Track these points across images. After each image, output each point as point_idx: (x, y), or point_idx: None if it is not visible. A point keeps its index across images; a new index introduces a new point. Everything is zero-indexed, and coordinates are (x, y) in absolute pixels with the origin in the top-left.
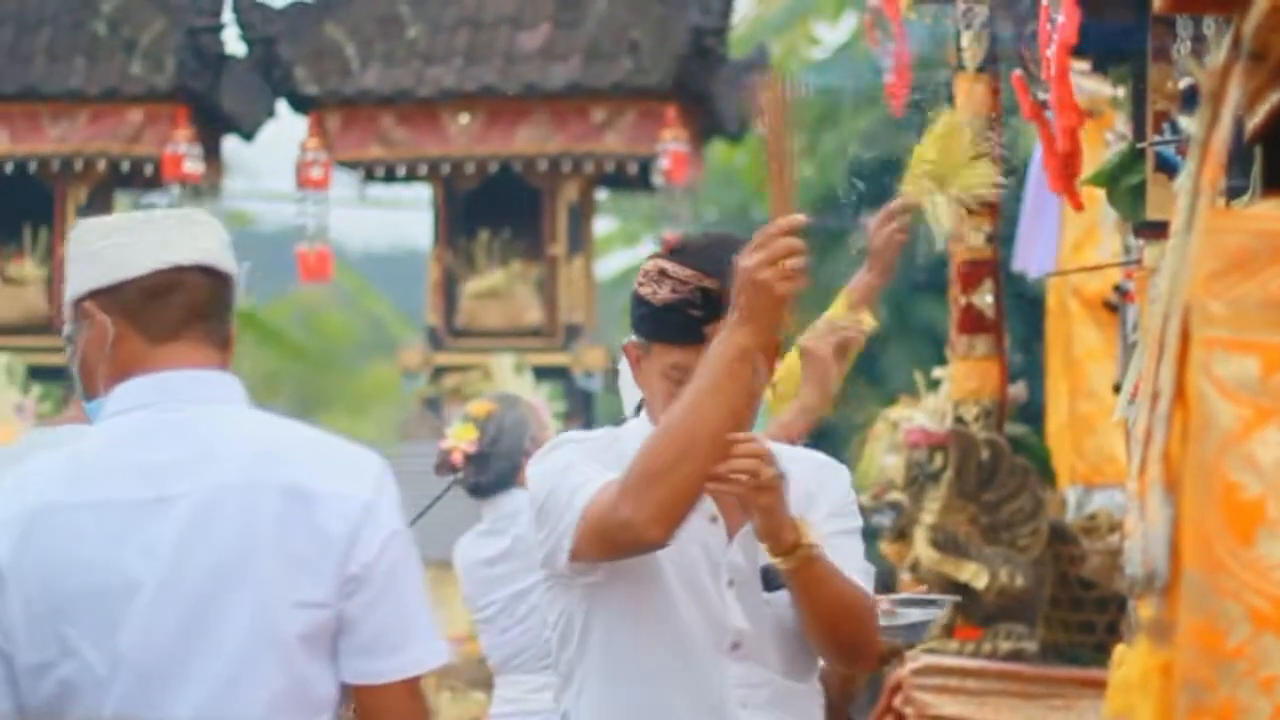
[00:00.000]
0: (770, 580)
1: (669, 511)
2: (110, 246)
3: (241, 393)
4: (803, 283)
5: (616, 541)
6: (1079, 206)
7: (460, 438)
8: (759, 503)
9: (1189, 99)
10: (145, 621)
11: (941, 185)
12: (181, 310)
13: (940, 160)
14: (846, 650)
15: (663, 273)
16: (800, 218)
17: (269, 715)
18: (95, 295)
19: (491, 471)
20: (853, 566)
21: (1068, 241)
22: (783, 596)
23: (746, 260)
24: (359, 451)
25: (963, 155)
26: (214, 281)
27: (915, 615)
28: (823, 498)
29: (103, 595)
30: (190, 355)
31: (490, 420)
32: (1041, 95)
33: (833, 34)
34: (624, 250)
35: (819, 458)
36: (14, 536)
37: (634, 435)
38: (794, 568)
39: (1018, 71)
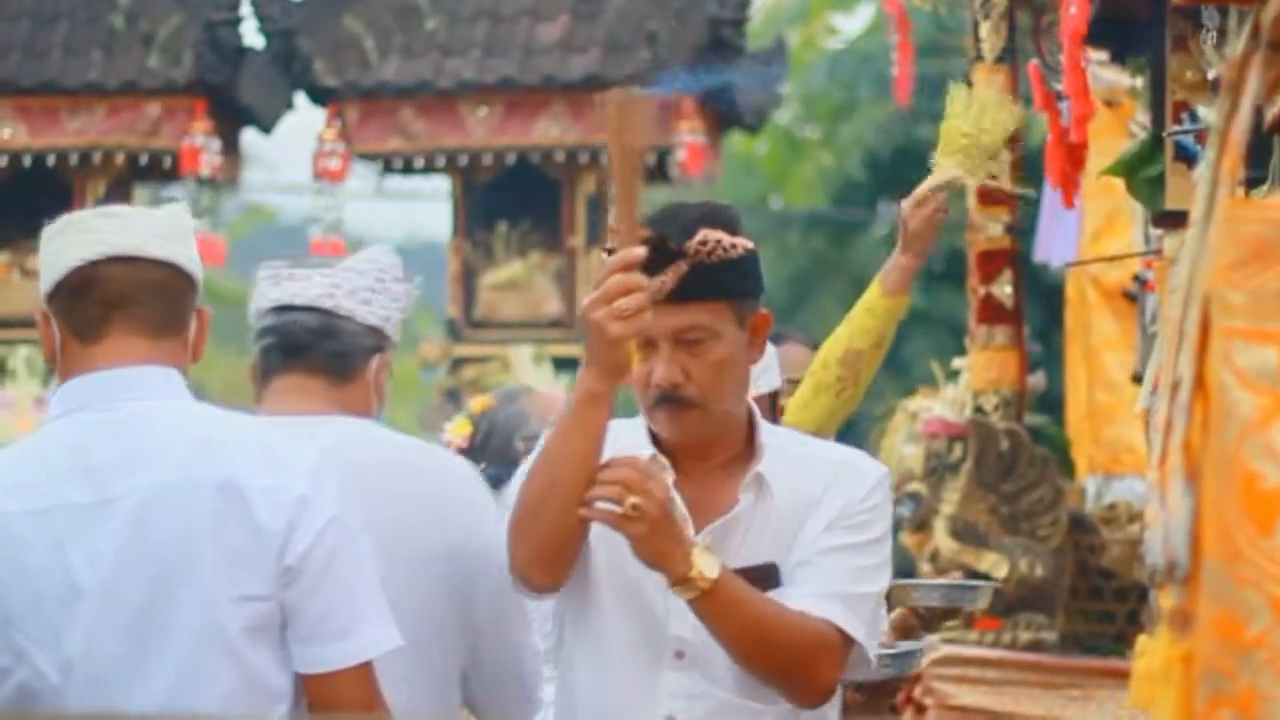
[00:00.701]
0: (757, 580)
1: (544, 558)
2: (47, 253)
3: (179, 385)
4: (641, 322)
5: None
6: (1070, 203)
7: (455, 434)
8: (628, 533)
9: (1216, 89)
10: (90, 627)
11: (977, 155)
12: (100, 306)
13: (973, 130)
14: (778, 684)
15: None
16: (638, 252)
17: (224, 710)
18: (46, 302)
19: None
20: (825, 590)
21: (1088, 231)
22: None
23: (586, 300)
24: (294, 443)
25: (992, 121)
26: (134, 271)
27: (905, 645)
28: (828, 504)
29: (47, 602)
30: (120, 351)
31: (484, 416)
32: (1057, 86)
33: (850, 23)
34: None
35: (839, 457)
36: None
37: (628, 430)
38: (691, 600)
39: (1034, 61)
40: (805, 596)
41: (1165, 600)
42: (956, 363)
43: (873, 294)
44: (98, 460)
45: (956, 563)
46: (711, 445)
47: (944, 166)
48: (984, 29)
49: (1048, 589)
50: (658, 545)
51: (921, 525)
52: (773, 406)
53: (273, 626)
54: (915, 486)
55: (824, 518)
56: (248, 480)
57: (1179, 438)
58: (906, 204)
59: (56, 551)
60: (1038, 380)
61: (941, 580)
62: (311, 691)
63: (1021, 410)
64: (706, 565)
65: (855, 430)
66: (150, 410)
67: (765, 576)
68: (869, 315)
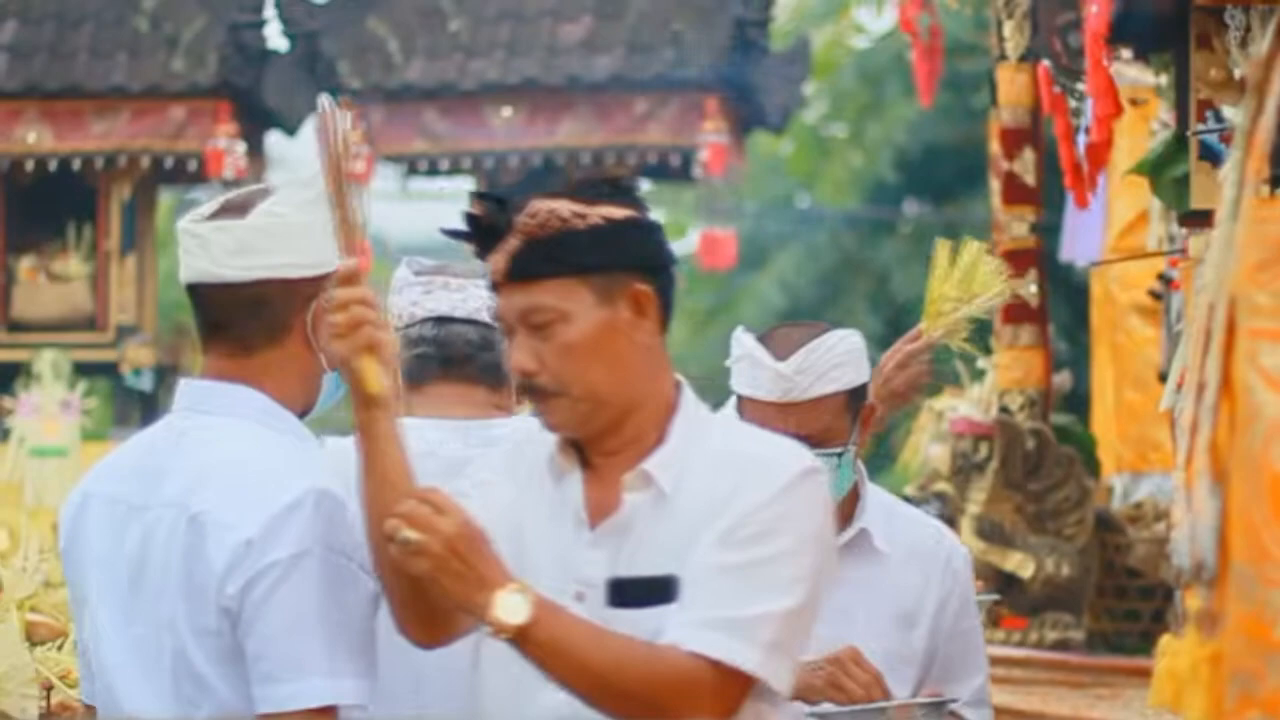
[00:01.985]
0: (620, 596)
1: (396, 609)
2: None
3: (247, 403)
4: (362, 337)
5: None
6: (1084, 203)
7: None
8: (412, 571)
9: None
10: (94, 618)
11: (964, 322)
12: (201, 326)
13: (961, 295)
14: None
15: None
16: (351, 262)
17: None
18: None
19: None
20: (705, 617)
21: (1117, 229)
22: (638, 618)
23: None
24: (275, 479)
25: (980, 280)
26: (220, 294)
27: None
28: (729, 510)
29: (116, 588)
30: (211, 365)
31: None
32: (1080, 86)
33: (878, 21)
34: (672, 242)
35: (757, 452)
36: (66, 518)
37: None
38: (507, 640)
39: (1045, 63)
40: (682, 625)
41: (1192, 601)
42: (982, 362)
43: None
44: (152, 464)
45: (983, 562)
46: (608, 437)
47: (930, 328)
48: (1008, 28)
49: (1074, 588)
50: (446, 585)
51: (948, 525)
52: (851, 410)
53: (231, 659)
54: (941, 486)
55: (719, 527)
56: (212, 516)
57: (1205, 438)
58: (889, 363)
59: (117, 542)
60: (1063, 379)
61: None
62: None
63: (1047, 409)
64: (508, 609)
65: (883, 430)
66: (204, 426)
67: (656, 591)
68: None
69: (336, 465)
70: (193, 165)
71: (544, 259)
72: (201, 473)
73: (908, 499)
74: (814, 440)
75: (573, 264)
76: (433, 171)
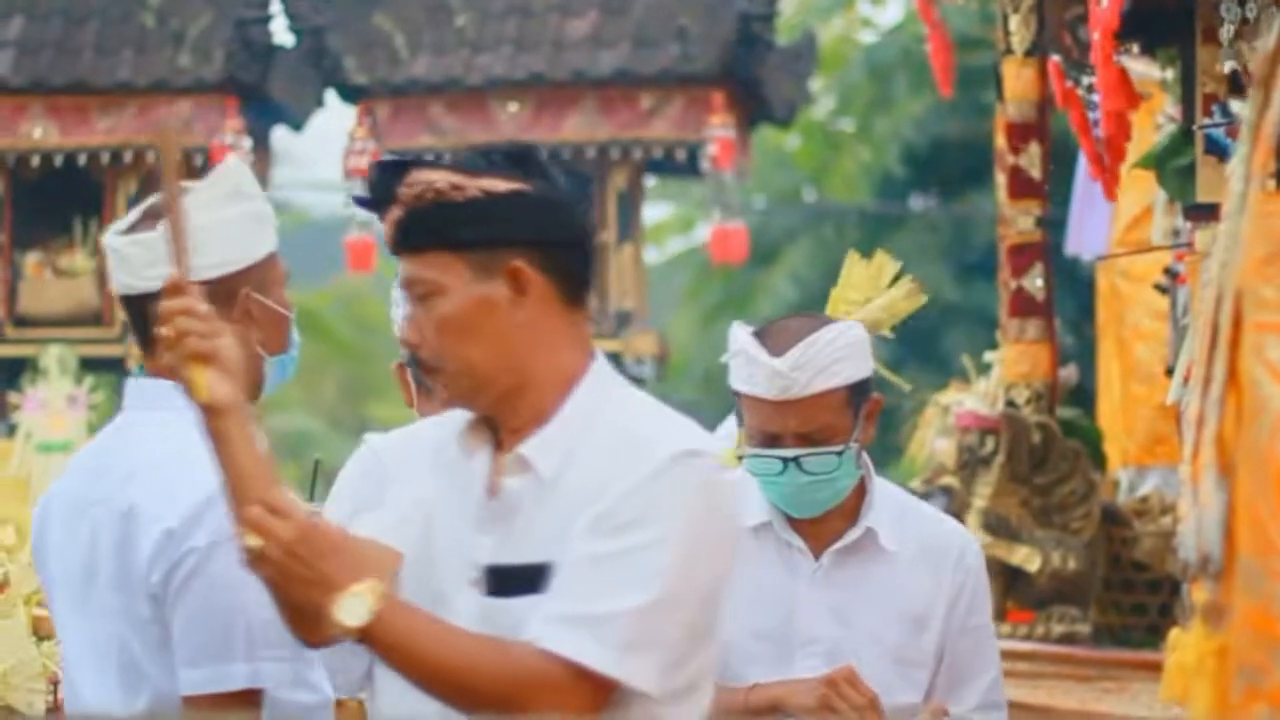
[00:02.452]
0: (496, 584)
1: (279, 610)
2: None
3: (180, 399)
4: (188, 346)
5: None
6: (1113, 196)
7: None
8: (259, 576)
9: (1236, 82)
10: (61, 620)
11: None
12: (134, 334)
13: (862, 293)
14: None
15: None
16: (176, 274)
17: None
18: None
19: None
20: (563, 611)
21: (1123, 222)
22: (512, 608)
23: None
24: (198, 470)
25: (883, 285)
26: (135, 307)
27: None
28: (600, 498)
29: (69, 583)
30: (148, 366)
31: None
32: (1088, 80)
33: (885, 15)
34: (681, 236)
35: (636, 431)
36: (35, 521)
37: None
38: (355, 642)
39: (1055, 58)
40: (542, 620)
41: (1198, 595)
42: (988, 356)
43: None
44: (98, 463)
45: (989, 556)
46: (507, 415)
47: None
48: (1014, 22)
49: (1080, 582)
50: (289, 589)
51: (954, 519)
52: (852, 405)
53: (162, 646)
54: (948, 480)
55: (590, 514)
56: (141, 508)
57: (1211, 432)
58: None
59: (71, 539)
60: (1070, 373)
61: None
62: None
63: (1053, 403)
64: (348, 611)
65: (889, 424)
66: (143, 422)
67: (528, 580)
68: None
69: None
70: (199, 160)
71: (420, 231)
72: (135, 467)
73: (915, 493)
74: (815, 438)
75: (447, 237)
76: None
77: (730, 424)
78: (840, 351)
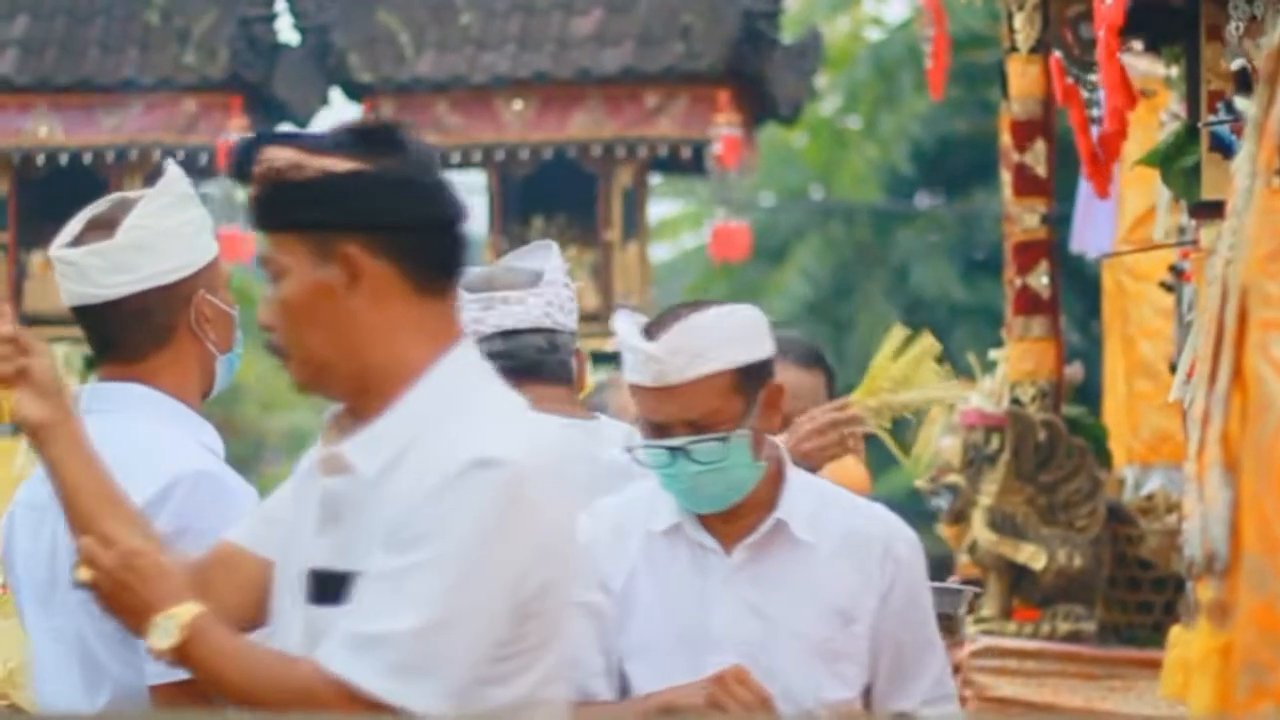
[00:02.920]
0: (315, 590)
1: None
2: None
3: (135, 399)
4: (8, 367)
5: None
6: (1105, 194)
7: None
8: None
9: (1244, 80)
10: (24, 619)
11: (888, 410)
12: (90, 343)
13: (897, 383)
14: None
15: None
16: None
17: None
18: None
19: None
20: (347, 629)
21: (1129, 220)
22: (320, 617)
23: None
24: (148, 466)
25: (923, 375)
26: (93, 317)
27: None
28: (401, 506)
29: (37, 588)
30: (103, 372)
31: None
32: (1092, 77)
33: (892, 12)
34: (689, 233)
35: (452, 436)
36: (3, 530)
37: None
38: (169, 664)
39: (1057, 54)
40: (331, 637)
41: (1204, 592)
42: (993, 354)
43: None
44: None
45: (994, 554)
46: (360, 407)
47: (858, 403)
48: (1018, 20)
49: (1086, 580)
50: (118, 615)
51: (959, 517)
52: (745, 390)
53: (132, 641)
54: (953, 478)
55: (387, 524)
56: None
57: (1217, 429)
58: (807, 423)
59: (35, 543)
60: (1075, 371)
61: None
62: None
63: (1059, 401)
64: (158, 634)
65: (895, 423)
66: (100, 425)
67: (331, 590)
68: None
69: None
70: (204, 159)
71: (265, 210)
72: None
73: (920, 491)
74: (699, 426)
75: (284, 218)
76: (444, 164)
77: None
78: (721, 335)
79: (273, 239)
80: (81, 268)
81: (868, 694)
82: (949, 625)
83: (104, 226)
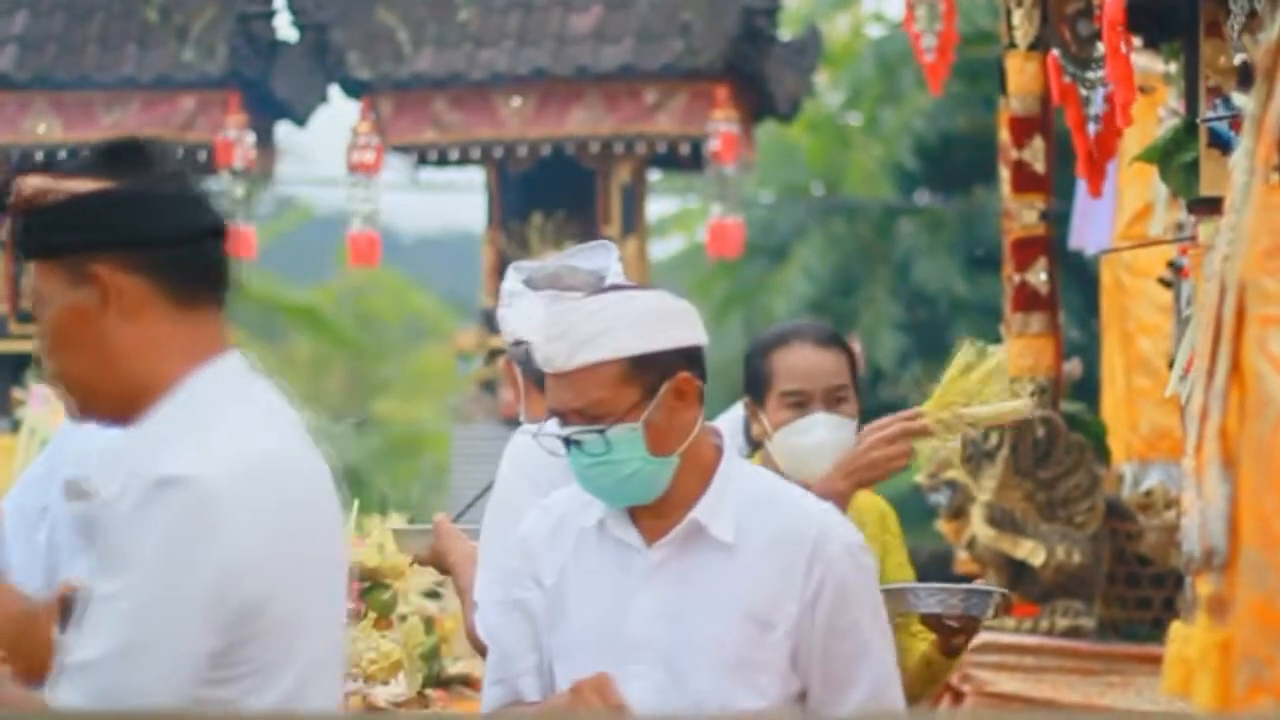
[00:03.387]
0: (62, 616)
1: None
2: None
3: None
4: None
5: None
6: (1097, 192)
7: None
8: None
9: (1245, 75)
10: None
11: (957, 425)
12: None
13: (967, 399)
14: None
15: None
16: None
17: None
18: None
19: None
20: (71, 655)
21: (1127, 216)
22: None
23: None
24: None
25: (992, 390)
26: None
27: (978, 585)
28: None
29: (30, 585)
30: None
31: None
32: (1090, 74)
33: (894, 8)
34: (690, 230)
35: (169, 451)
36: None
37: None
38: None
39: (1055, 52)
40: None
41: (1203, 587)
42: (992, 350)
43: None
44: (48, 469)
45: (993, 550)
46: (126, 428)
47: (929, 414)
48: (1017, 16)
49: (1085, 575)
50: None
51: (958, 513)
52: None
53: None
54: (952, 474)
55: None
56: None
57: (1215, 425)
58: (874, 433)
59: (30, 545)
60: (1074, 367)
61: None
62: None
63: (1057, 397)
64: None
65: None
66: (76, 429)
67: (65, 617)
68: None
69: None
70: (202, 156)
71: (23, 240)
72: (83, 465)
73: (919, 487)
74: (588, 415)
75: (38, 245)
76: (443, 162)
77: (732, 414)
78: (612, 321)
79: (35, 269)
80: None
81: (803, 696)
82: (972, 628)
83: None
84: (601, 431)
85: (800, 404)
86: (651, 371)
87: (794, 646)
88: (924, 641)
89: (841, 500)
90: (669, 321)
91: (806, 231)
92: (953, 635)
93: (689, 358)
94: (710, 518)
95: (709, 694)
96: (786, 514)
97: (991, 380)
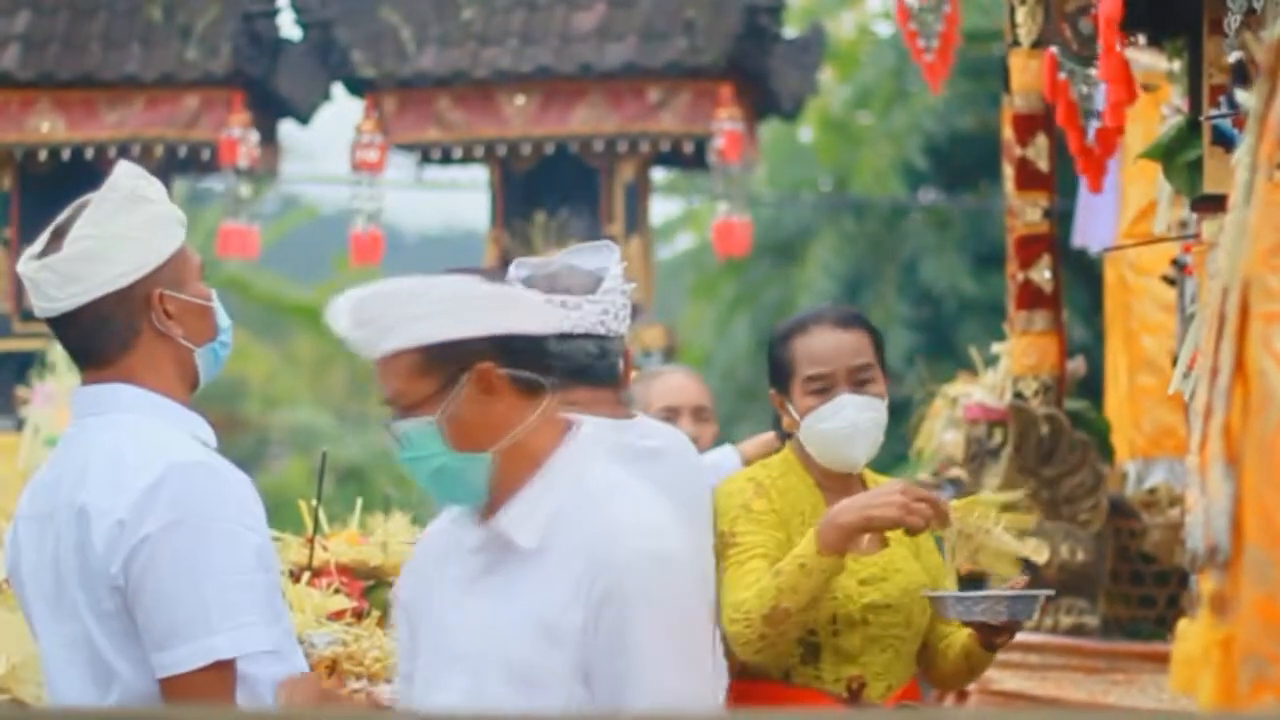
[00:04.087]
0: None
1: None
2: None
3: (118, 399)
4: None
5: None
6: (1098, 188)
7: None
8: None
9: (1241, 73)
10: (33, 628)
11: (981, 537)
12: (66, 352)
13: (991, 524)
14: None
15: None
16: None
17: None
18: None
19: None
20: None
21: (1132, 213)
22: None
23: None
24: (140, 461)
25: (1010, 539)
26: (58, 328)
27: (1022, 591)
28: None
29: (36, 602)
30: (85, 377)
31: None
32: (1091, 71)
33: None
34: (696, 230)
35: None
36: (8, 546)
37: None
38: None
39: (1053, 49)
40: None
41: (1206, 585)
42: (996, 348)
43: (807, 550)
44: (53, 475)
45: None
46: None
47: (954, 505)
48: (1020, 14)
49: (1089, 573)
50: None
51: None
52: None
53: (138, 638)
54: (956, 472)
55: None
56: (92, 506)
57: (1219, 422)
58: (904, 488)
59: (39, 553)
60: (1077, 365)
61: (988, 592)
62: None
63: (1061, 395)
64: None
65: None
66: (90, 427)
67: None
68: (804, 574)
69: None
70: (206, 154)
71: None
72: (85, 469)
73: (923, 485)
74: (398, 407)
75: None
76: (446, 160)
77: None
78: (408, 308)
79: None
80: (36, 282)
81: None
82: (1015, 627)
83: (59, 237)
84: (387, 425)
85: (824, 389)
86: (450, 362)
87: (581, 660)
88: (964, 633)
89: (841, 535)
90: (474, 307)
91: (816, 230)
92: (995, 634)
93: (502, 347)
94: (514, 523)
95: (503, 707)
96: (594, 518)
97: (1018, 523)
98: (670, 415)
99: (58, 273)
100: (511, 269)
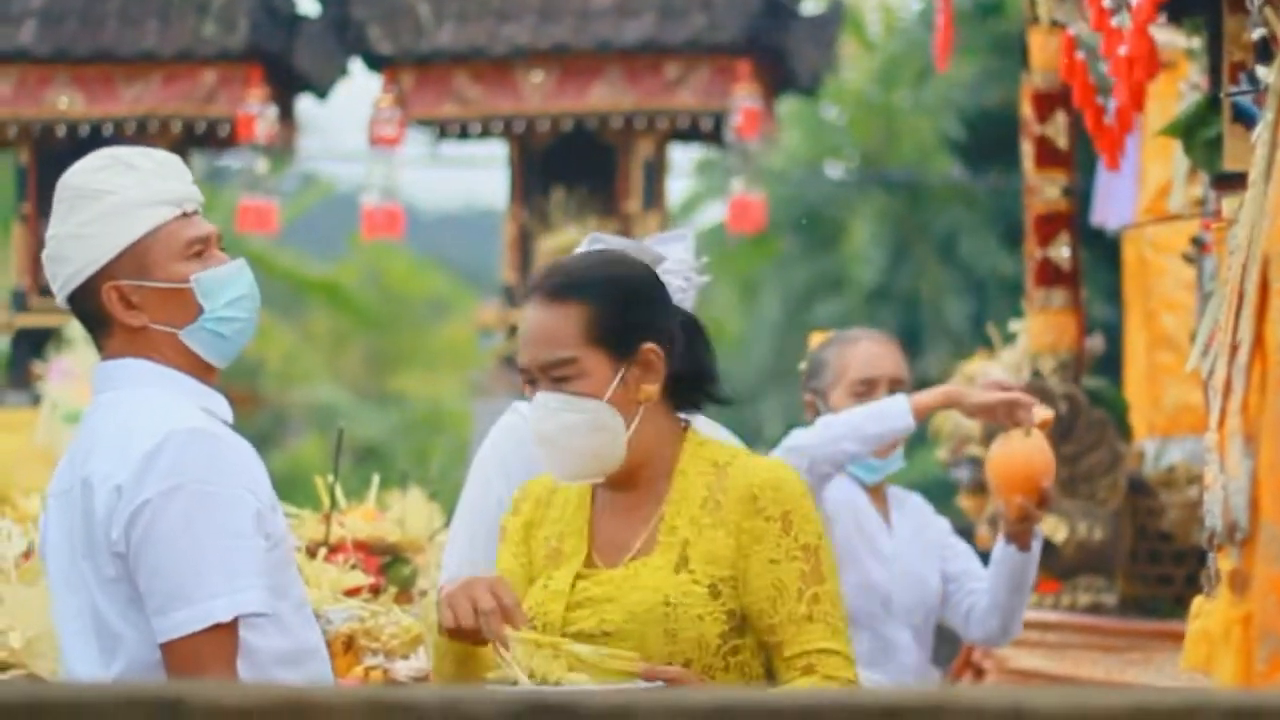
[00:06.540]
0: None
1: None
2: None
3: (130, 373)
4: None
5: None
6: (1115, 165)
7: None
8: None
9: (1264, 50)
10: (54, 600)
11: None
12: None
13: None
14: None
15: None
16: None
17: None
18: None
19: None
20: None
21: (1151, 190)
22: None
23: None
24: (141, 430)
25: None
26: (75, 308)
27: None
28: None
29: (59, 566)
30: (103, 354)
31: (811, 354)
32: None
33: None
34: (713, 206)
35: None
36: (42, 522)
37: None
38: None
39: (1071, 29)
40: None
41: (1224, 562)
42: (1013, 325)
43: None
44: (73, 451)
45: None
46: None
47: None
48: None
49: (1107, 552)
50: None
51: (980, 488)
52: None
53: (141, 604)
54: (973, 450)
55: None
56: (95, 474)
57: (1238, 400)
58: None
59: (60, 529)
60: (1096, 343)
61: None
62: (165, 662)
63: (1079, 373)
64: None
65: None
66: (105, 403)
67: None
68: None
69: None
70: (224, 130)
71: None
72: (94, 442)
73: (941, 463)
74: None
75: None
76: (464, 136)
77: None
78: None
79: None
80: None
81: None
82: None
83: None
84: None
85: (865, 393)
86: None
87: None
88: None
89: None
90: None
91: (849, 205)
92: None
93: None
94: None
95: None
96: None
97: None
98: (865, 389)
99: (49, 273)
100: (585, 241)
